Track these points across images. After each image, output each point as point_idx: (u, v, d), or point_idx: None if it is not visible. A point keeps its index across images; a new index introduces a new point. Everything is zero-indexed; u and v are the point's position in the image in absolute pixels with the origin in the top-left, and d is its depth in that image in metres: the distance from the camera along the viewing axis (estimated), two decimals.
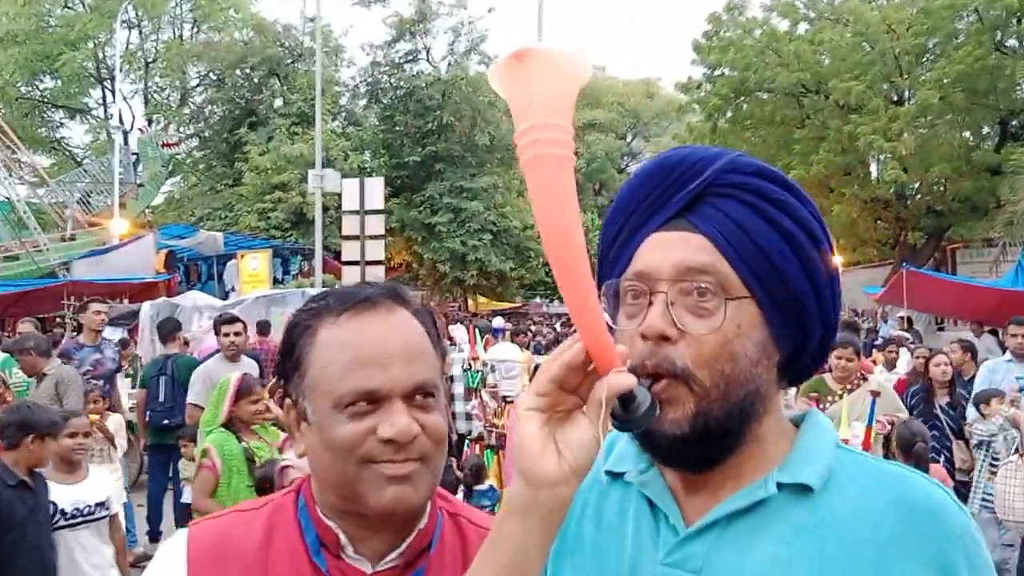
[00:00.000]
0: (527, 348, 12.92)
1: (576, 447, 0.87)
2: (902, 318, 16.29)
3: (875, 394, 4.69)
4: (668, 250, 0.98)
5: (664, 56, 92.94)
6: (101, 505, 4.35)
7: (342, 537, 1.16)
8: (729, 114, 26.57)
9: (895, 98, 24.07)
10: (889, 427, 4.97)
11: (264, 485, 3.91)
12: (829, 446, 1.01)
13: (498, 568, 0.90)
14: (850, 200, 24.08)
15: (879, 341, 12.05)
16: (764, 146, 26.35)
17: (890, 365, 9.43)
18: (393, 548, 1.16)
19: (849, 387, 5.60)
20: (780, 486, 0.97)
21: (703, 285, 0.95)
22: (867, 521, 0.94)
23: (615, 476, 1.09)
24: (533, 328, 22.63)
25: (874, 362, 9.10)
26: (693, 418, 0.95)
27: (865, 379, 5.77)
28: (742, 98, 26.10)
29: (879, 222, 25.64)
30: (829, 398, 5.51)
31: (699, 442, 0.96)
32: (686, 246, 0.97)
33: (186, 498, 6.21)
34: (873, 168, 25.67)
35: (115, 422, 6.70)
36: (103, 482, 4.65)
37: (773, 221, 0.98)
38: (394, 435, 1.09)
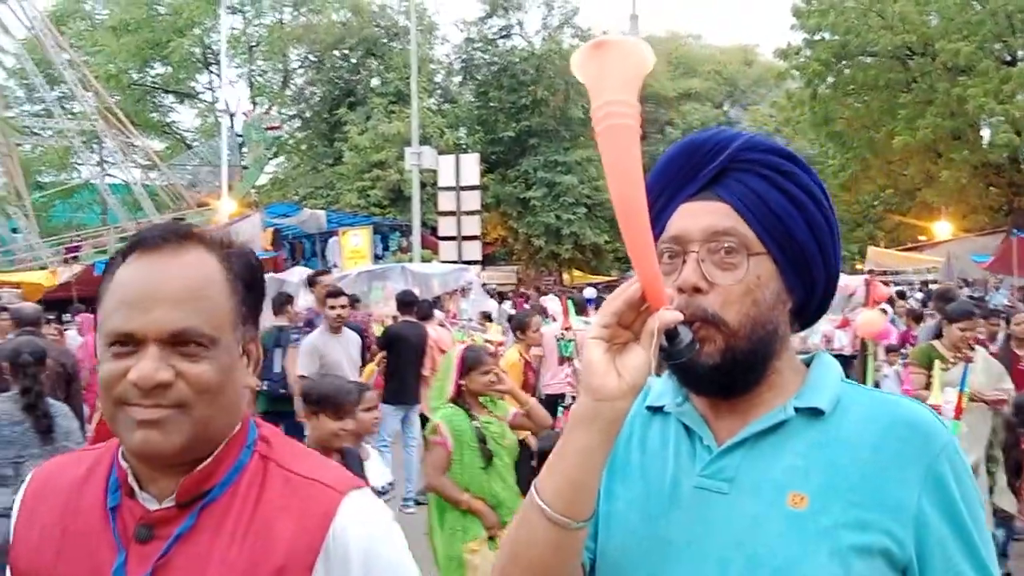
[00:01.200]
0: None
1: (632, 369, 1.05)
2: (1018, 288, 15.66)
3: (967, 359, 4.64)
4: (697, 216, 1.18)
5: (762, 22, 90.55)
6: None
7: (130, 476, 1.18)
8: (830, 80, 25.83)
9: (1007, 58, 23.04)
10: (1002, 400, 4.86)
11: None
12: (836, 378, 1.21)
13: (568, 468, 1.08)
14: (959, 165, 23.19)
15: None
16: (867, 112, 25.56)
17: (991, 337, 9.14)
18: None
19: (961, 356, 5.39)
20: (796, 411, 1.17)
21: (728, 244, 1.16)
22: (869, 438, 1.14)
23: (655, 411, 1.28)
24: None
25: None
26: (723, 352, 1.15)
27: (973, 348, 5.57)
28: (844, 63, 25.35)
29: (990, 188, 24.68)
30: (941, 364, 5.40)
31: (728, 372, 1.16)
32: (713, 213, 1.18)
33: None
34: (984, 132, 24.66)
35: None
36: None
37: (784, 190, 1.18)
38: (136, 380, 1.10)
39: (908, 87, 23.86)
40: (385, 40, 31.19)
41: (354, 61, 31.32)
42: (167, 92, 39.40)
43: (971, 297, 13.30)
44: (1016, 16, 21.72)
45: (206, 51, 37.35)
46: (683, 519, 1.16)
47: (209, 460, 1.17)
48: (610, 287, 31.21)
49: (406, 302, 8.85)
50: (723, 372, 1.15)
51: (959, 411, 4.59)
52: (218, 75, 35.09)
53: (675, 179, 1.22)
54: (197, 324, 1.13)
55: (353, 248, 19.62)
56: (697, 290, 1.14)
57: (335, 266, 20.30)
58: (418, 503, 7.99)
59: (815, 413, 1.16)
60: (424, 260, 19.11)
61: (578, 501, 1.07)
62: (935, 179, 24.05)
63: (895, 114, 23.78)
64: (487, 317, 12.93)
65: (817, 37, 25.47)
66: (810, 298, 1.23)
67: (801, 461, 1.13)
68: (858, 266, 28.91)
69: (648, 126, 39.59)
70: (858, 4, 24.09)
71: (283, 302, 8.76)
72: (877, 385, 6.23)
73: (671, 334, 1.08)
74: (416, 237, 20.42)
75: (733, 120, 43.66)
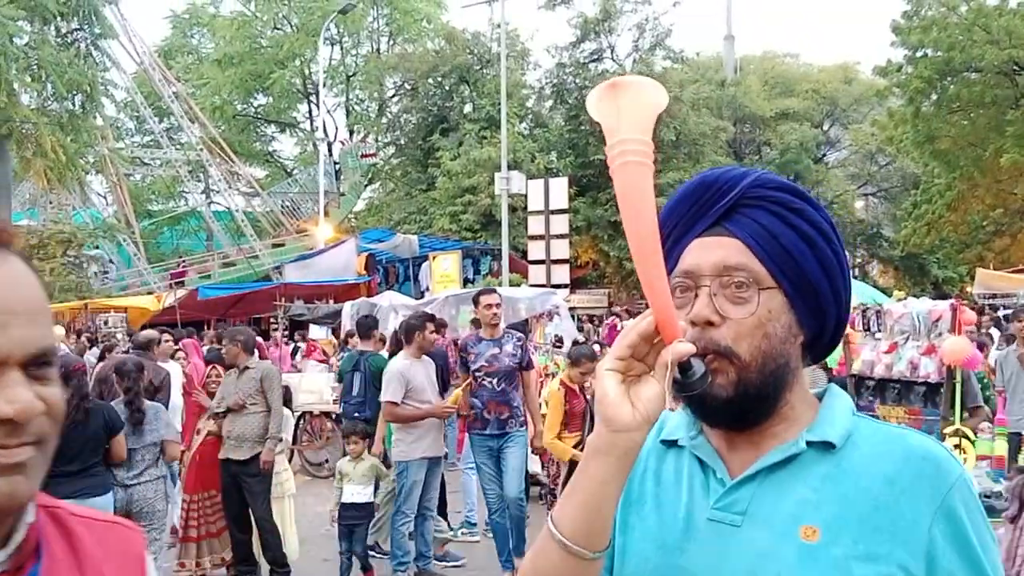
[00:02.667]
0: None
1: (646, 400, 1.07)
2: None
3: None
4: (709, 252, 1.21)
5: (862, 39, 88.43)
6: None
7: None
8: (933, 97, 24.98)
9: None
10: None
11: None
12: (847, 412, 1.23)
13: (584, 499, 1.10)
14: None
15: None
16: (973, 129, 24.62)
17: None
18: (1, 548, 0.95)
19: None
20: (808, 444, 1.19)
21: (739, 279, 1.18)
22: (881, 470, 1.15)
23: (670, 445, 1.31)
24: None
25: None
26: (736, 384, 1.17)
27: None
28: (947, 79, 24.49)
29: None
30: None
31: (741, 404, 1.18)
32: (724, 248, 1.20)
33: (347, 497, 6.59)
34: None
35: None
36: None
37: (794, 226, 1.21)
38: (14, 413, 0.89)
39: (1016, 103, 22.89)
40: (478, 67, 31.61)
41: (447, 88, 31.83)
42: (269, 122, 40.81)
43: None
44: None
45: (306, 82, 38.55)
46: (697, 551, 1.18)
47: (32, 508, 0.99)
48: None
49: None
50: (736, 404, 1.17)
51: None
52: (317, 104, 36.13)
53: (688, 214, 1.25)
54: (52, 341, 0.96)
55: (443, 272, 19.89)
56: (709, 323, 1.17)
57: (427, 290, 20.60)
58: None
59: (827, 446, 1.18)
60: (513, 284, 19.18)
61: (594, 532, 1.09)
62: None
63: (1003, 131, 22.83)
64: (559, 341, 12.87)
65: (919, 54, 24.69)
66: (821, 332, 1.25)
67: (813, 494, 1.15)
68: (967, 289, 27.80)
69: (744, 147, 39.03)
70: (962, 19, 23.30)
71: (370, 327, 8.89)
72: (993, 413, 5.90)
73: (684, 366, 1.09)
74: (505, 261, 20.52)
75: (833, 139, 42.68)
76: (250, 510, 6.71)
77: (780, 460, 1.18)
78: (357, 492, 6.62)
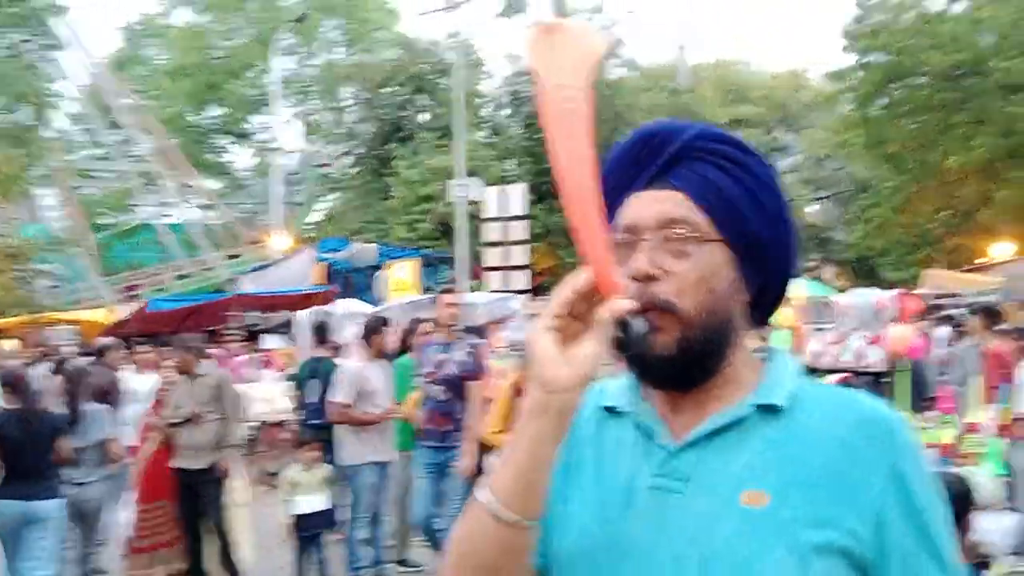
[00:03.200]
0: None
1: (582, 359, 1.03)
2: None
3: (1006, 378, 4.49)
4: (651, 205, 1.17)
5: (812, 46, 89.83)
6: None
7: None
8: (882, 101, 25.46)
9: None
10: None
11: None
12: (793, 375, 1.19)
13: (519, 461, 1.06)
14: (1017, 185, 22.60)
15: None
16: (921, 133, 25.09)
17: None
18: None
19: None
20: (754, 407, 1.15)
21: (681, 232, 1.14)
22: (831, 434, 1.12)
23: (611, 412, 1.25)
24: None
25: None
26: (678, 341, 1.12)
27: None
28: (896, 84, 24.98)
29: None
30: None
31: (683, 363, 1.14)
32: (666, 200, 1.16)
33: (304, 507, 6.49)
34: None
35: None
36: None
37: (738, 179, 1.17)
38: None
39: (961, 107, 23.39)
40: (434, 76, 31.60)
41: (403, 97, 31.78)
42: (223, 133, 40.38)
43: None
44: None
45: (260, 92, 38.25)
46: (638, 520, 1.14)
47: None
48: None
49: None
50: (678, 363, 1.13)
51: (1006, 429, 4.42)
52: (272, 115, 35.86)
53: (629, 169, 1.21)
54: None
55: (398, 280, 19.79)
56: (650, 278, 1.12)
57: (382, 298, 20.48)
58: None
59: (773, 410, 1.14)
60: (472, 291, 19.14)
61: (529, 498, 1.06)
62: (992, 199, 23.48)
63: (949, 134, 23.32)
64: (517, 346, 12.85)
65: (868, 59, 25.16)
66: (766, 289, 1.22)
67: (759, 459, 1.12)
68: (918, 289, 28.29)
69: None
70: (909, 25, 23.79)
71: (324, 332, 8.84)
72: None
73: (624, 324, 1.05)
74: (460, 268, 20.49)
75: (785, 145, 43.24)
76: (203, 520, 6.60)
77: (725, 424, 1.14)
78: (315, 501, 6.54)
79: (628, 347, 1.06)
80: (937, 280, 21.17)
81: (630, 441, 1.20)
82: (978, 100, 22.89)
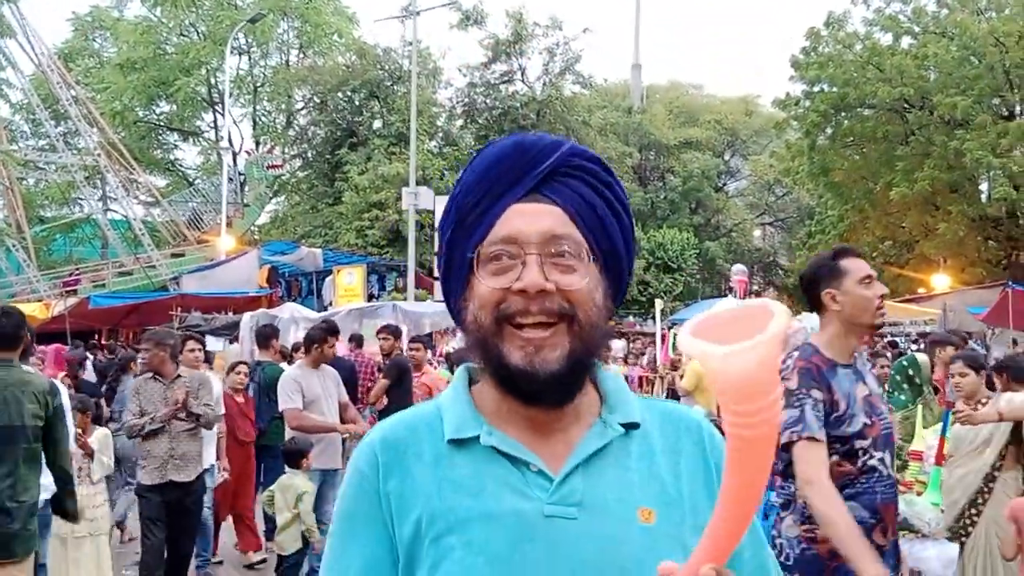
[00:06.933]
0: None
1: None
2: (1014, 340, 15.58)
3: (949, 405, 4.56)
4: (534, 219, 1.16)
5: (764, 73, 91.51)
6: None
7: None
8: (829, 131, 26.01)
9: (1004, 113, 23.20)
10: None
11: None
12: (625, 388, 1.26)
13: None
14: (957, 218, 23.23)
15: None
16: (865, 163, 25.68)
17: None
18: None
19: (973, 407, 5.12)
20: (620, 426, 1.19)
21: (566, 248, 1.16)
22: (670, 445, 1.21)
23: (458, 444, 1.18)
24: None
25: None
26: (568, 356, 1.13)
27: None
28: (842, 114, 25.53)
29: (988, 241, 24.68)
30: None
31: (570, 377, 1.15)
32: (548, 215, 1.17)
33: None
34: (983, 185, 24.75)
35: (99, 438, 6.23)
36: None
37: (606, 199, 1.21)
38: None
39: (906, 140, 24.00)
40: (388, 83, 31.50)
41: (357, 103, 31.62)
42: (171, 130, 39.71)
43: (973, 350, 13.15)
44: (1013, 71, 21.91)
45: (211, 90, 37.73)
46: (538, 550, 1.10)
47: None
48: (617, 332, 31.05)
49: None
50: (565, 378, 1.14)
51: (940, 458, 4.50)
52: (222, 114, 35.41)
53: (504, 178, 1.19)
54: None
55: (347, 286, 19.65)
56: (542, 292, 1.13)
57: (330, 304, 20.30)
58: None
59: (633, 426, 1.19)
60: (419, 300, 19.08)
61: None
62: (933, 232, 24.08)
63: (893, 166, 23.88)
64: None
65: (816, 89, 25.67)
66: (617, 306, 1.26)
67: (636, 476, 1.16)
68: None
69: (649, 173, 39.81)
70: (857, 57, 24.33)
71: (268, 336, 8.70)
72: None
73: None
74: (411, 277, 20.41)
75: (733, 169, 43.94)
76: (178, 541, 6.00)
77: (600, 447, 1.16)
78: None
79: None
80: None
81: (499, 473, 1.15)
82: (922, 133, 23.50)
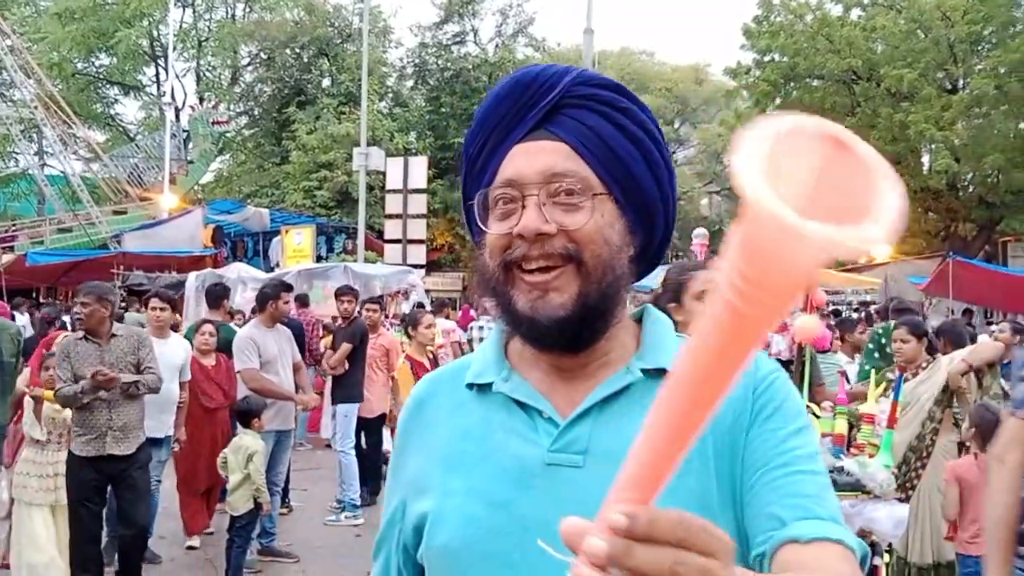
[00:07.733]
0: None
1: None
2: (964, 311, 15.99)
3: (902, 369, 4.67)
4: (533, 158, 1.10)
5: (715, 41, 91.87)
6: None
7: None
8: (778, 100, 26.23)
9: (949, 87, 23.63)
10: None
11: None
12: (672, 335, 1.18)
13: None
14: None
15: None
16: None
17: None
18: None
19: (913, 372, 5.17)
20: (643, 372, 1.11)
21: (569, 185, 1.08)
22: None
23: (478, 388, 1.18)
24: None
25: None
26: (576, 299, 1.08)
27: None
28: (791, 84, 25.76)
29: (929, 213, 25.23)
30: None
31: (579, 322, 1.08)
32: (549, 153, 1.10)
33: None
34: (925, 158, 25.23)
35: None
36: None
37: (622, 127, 1.12)
38: None
39: (852, 111, 24.34)
40: (338, 41, 30.94)
41: (305, 60, 31.02)
42: (112, 83, 38.55)
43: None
44: (958, 45, 22.30)
45: (154, 43, 36.67)
46: (537, 499, 1.07)
47: None
48: None
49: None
50: (574, 323, 1.08)
51: (892, 421, 4.59)
52: (165, 68, 34.45)
53: (505, 119, 1.14)
54: None
55: (295, 247, 19.41)
56: (542, 235, 1.07)
57: (277, 265, 20.04)
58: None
59: (660, 373, 1.09)
60: (369, 262, 18.91)
61: None
62: None
63: None
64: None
65: (767, 58, 25.85)
66: (649, 243, 1.17)
67: None
68: None
69: None
70: (807, 28, 24.54)
71: (219, 296, 8.57)
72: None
73: None
74: (361, 239, 20.21)
75: (682, 138, 44.18)
76: (128, 513, 5.48)
77: (615, 391, 1.10)
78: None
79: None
80: (820, 278, 22.06)
81: (509, 419, 1.13)
82: (868, 105, 23.84)
